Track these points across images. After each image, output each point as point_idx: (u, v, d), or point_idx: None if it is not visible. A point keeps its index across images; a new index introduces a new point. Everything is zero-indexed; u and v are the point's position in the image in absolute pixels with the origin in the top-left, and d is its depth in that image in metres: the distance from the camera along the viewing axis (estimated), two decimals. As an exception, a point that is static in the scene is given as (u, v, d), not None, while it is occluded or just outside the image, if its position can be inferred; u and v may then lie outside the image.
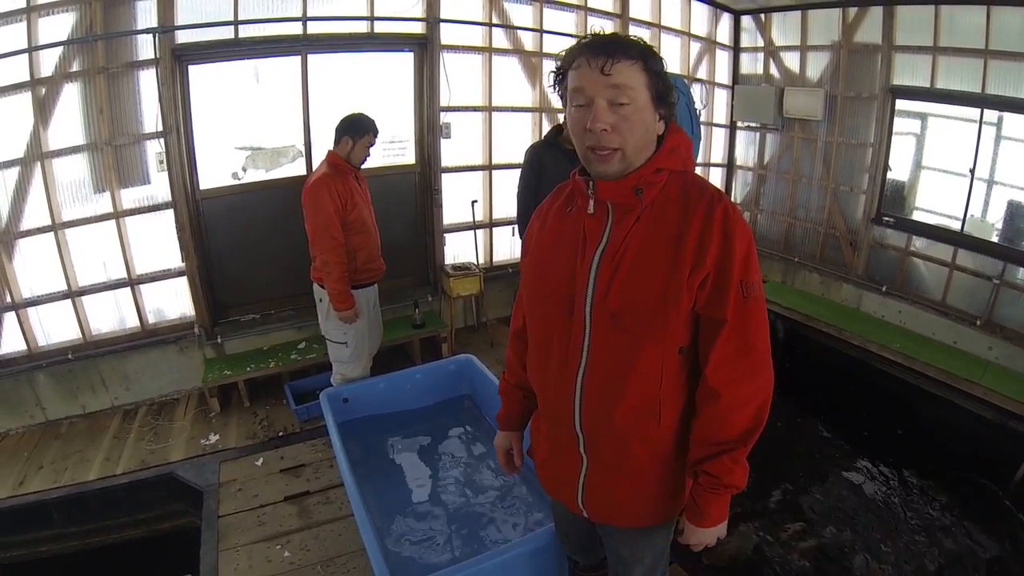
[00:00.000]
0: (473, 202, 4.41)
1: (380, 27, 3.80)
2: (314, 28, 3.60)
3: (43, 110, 3.13)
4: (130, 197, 3.45)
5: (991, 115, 3.77)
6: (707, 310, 1.16)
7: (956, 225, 4.06)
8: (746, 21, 5.24)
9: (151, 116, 3.33)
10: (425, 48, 3.97)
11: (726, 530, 1.30)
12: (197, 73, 3.46)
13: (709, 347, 1.16)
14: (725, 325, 1.14)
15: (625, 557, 1.46)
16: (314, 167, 3.27)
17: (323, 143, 3.04)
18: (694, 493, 1.24)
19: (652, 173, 1.17)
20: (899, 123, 4.32)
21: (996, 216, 3.91)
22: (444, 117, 4.14)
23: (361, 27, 3.76)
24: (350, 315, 2.93)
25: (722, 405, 1.16)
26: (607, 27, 4.49)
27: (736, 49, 5.37)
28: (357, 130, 2.87)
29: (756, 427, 1.19)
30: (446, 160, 4.25)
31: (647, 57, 1.12)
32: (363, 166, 2.99)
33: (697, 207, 1.14)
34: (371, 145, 2.94)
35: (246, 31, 3.45)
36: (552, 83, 1.22)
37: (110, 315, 3.59)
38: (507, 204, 4.47)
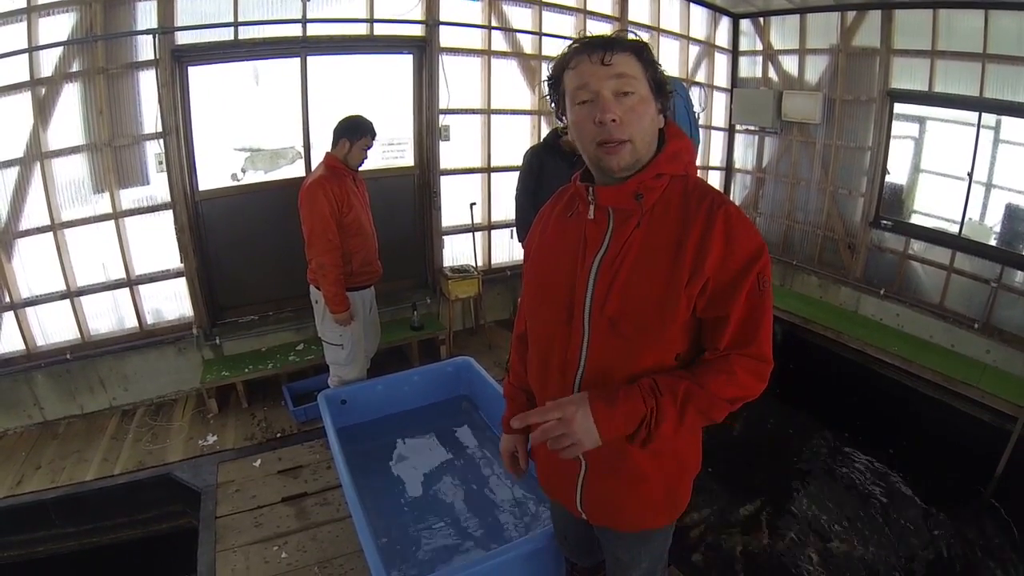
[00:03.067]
0: (472, 204, 4.42)
1: (380, 29, 3.81)
2: (314, 30, 3.60)
3: (43, 110, 3.13)
4: (129, 198, 3.46)
5: (989, 119, 3.78)
6: (709, 312, 1.15)
7: (954, 228, 4.07)
8: (745, 25, 5.25)
9: (151, 117, 3.34)
10: (424, 50, 3.98)
11: (595, 441, 1.11)
12: (197, 74, 3.46)
13: (713, 341, 1.16)
14: (728, 323, 1.13)
15: (623, 560, 1.46)
16: (313, 169, 3.27)
17: (322, 145, 3.04)
18: (623, 387, 1.15)
19: (653, 178, 1.16)
20: (897, 126, 4.33)
21: (994, 219, 3.92)
22: (443, 119, 4.15)
23: (361, 29, 3.76)
24: (345, 318, 2.93)
25: (709, 369, 1.14)
26: (606, 30, 4.51)
27: (735, 52, 5.38)
28: (354, 132, 2.87)
29: (727, 407, 1.15)
30: (445, 162, 4.26)
31: (639, 50, 1.13)
32: (361, 168, 2.99)
33: (697, 213, 1.13)
34: (368, 147, 2.93)
35: (246, 32, 3.46)
36: (546, 92, 1.21)
37: (109, 315, 3.59)
38: (506, 206, 4.48)
